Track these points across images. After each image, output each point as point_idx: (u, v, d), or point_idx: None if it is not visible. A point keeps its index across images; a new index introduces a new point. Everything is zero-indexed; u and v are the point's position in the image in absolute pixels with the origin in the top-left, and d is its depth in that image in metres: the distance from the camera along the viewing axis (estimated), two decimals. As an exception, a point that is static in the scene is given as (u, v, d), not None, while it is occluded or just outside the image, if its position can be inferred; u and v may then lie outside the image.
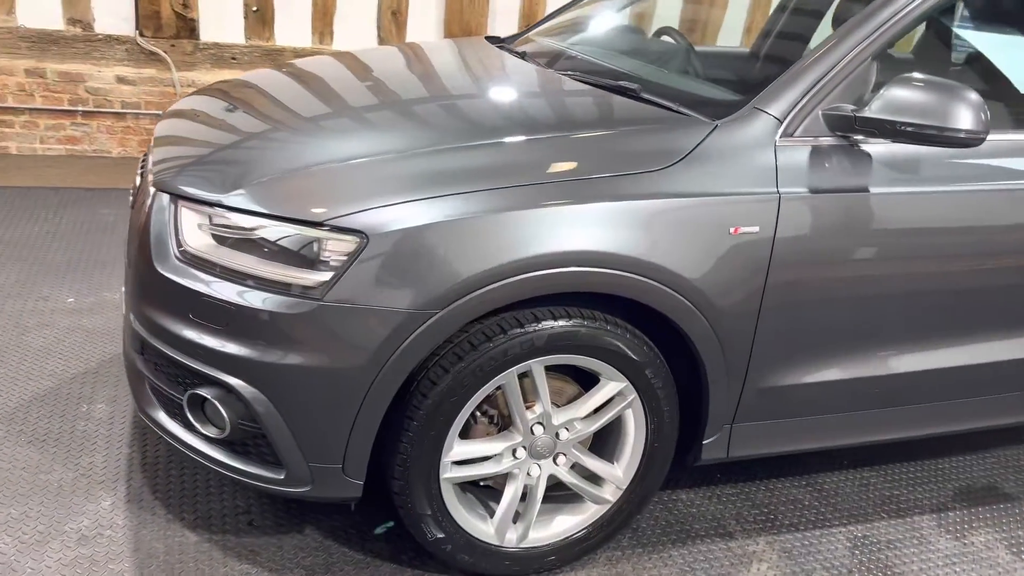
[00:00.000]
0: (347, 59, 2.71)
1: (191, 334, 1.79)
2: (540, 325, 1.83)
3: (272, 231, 1.75)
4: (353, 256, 1.69)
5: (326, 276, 1.70)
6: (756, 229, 1.92)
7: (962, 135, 1.91)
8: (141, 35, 4.97)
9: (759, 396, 2.12)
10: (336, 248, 1.71)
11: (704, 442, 2.14)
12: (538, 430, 1.97)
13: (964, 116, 1.90)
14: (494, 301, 1.75)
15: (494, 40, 2.97)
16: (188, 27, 5.03)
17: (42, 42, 4.83)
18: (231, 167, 1.90)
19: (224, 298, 1.74)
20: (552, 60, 2.62)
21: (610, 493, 2.10)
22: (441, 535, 1.95)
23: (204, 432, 1.87)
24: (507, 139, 1.95)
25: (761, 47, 3.19)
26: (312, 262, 1.72)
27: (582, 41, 2.95)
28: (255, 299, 1.73)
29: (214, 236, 1.81)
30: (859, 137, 2.00)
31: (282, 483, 1.85)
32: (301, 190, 1.78)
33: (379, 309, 1.70)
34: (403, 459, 1.85)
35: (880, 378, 2.22)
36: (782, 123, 1.97)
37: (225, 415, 1.80)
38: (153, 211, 1.90)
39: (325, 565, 2.05)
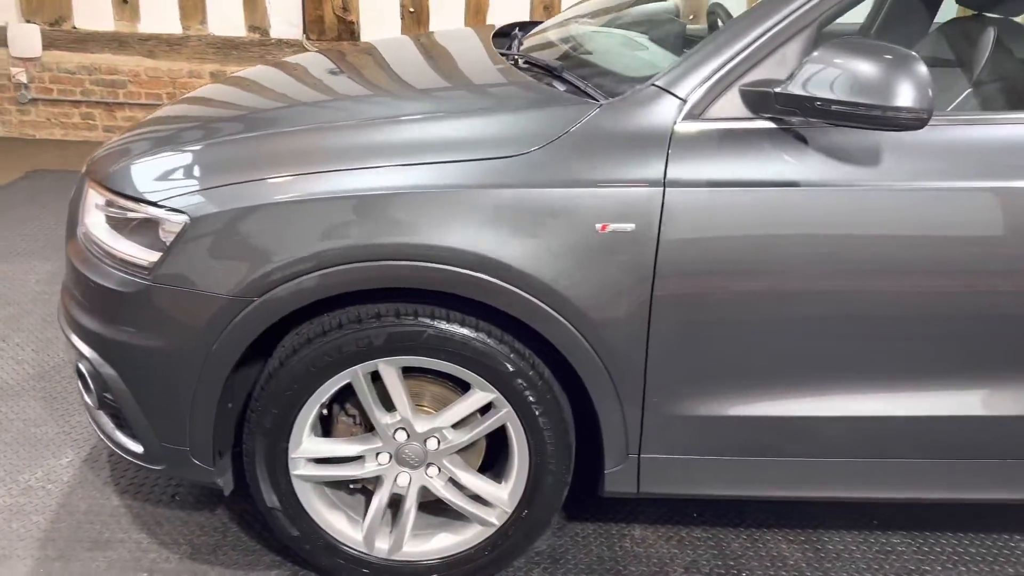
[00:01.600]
0: (307, 58, 2.60)
1: (75, 309, 1.89)
2: (380, 322, 1.70)
3: (131, 212, 1.79)
4: (178, 237, 1.69)
5: (156, 256, 1.71)
6: (630, 227, 1.63)
7: (902, 115, 1.49)
8: (308, 38, 5.36)
9: (667, 425, 1.80)
10: (168, 229, 1.71)
11: (606, 472, 1.86)
12: (401, 436, 1.83)
13: (904, 91, 1.47)
14: (314, 292, 1.65)
15: (515, 27, 2.79)
16: (348, 29, 5.34)
17: (226, 48, 5.38)
18: (126, 151, 1.97)
19: (87, 275, 1.81)
20: (533, 47, 2.40)
21: (495, 516, 1.90)
22: (296, 533, 1.88)
23: (88, 400, 1.96)
24: (356, 122, 1.82)
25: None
26: (152, 242, 1.74)
27: (592, 23, 2.68)
28: (107, 277, 1.78)
29: (105, 217, 1.89)
30: (781, 119, 1.63)
31: (141, 458, 1.89)
32: (153, 171, 1.80)
33: (201, 293, 1.68)
34: (248, 449, 1.81)
35: (822, 420, 1.79)
36: (686, 103, 1.65)
37: (92, 387, 1.88)
38: (76, 192, 2.02)
39: (213, 546, 2.06)
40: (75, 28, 5.40)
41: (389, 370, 1.76)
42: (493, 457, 1.96)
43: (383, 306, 1.71)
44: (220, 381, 1.74)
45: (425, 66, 2.32)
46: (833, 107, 1.53)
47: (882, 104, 1.49)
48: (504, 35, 2.63)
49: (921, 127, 1.50)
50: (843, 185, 1.63)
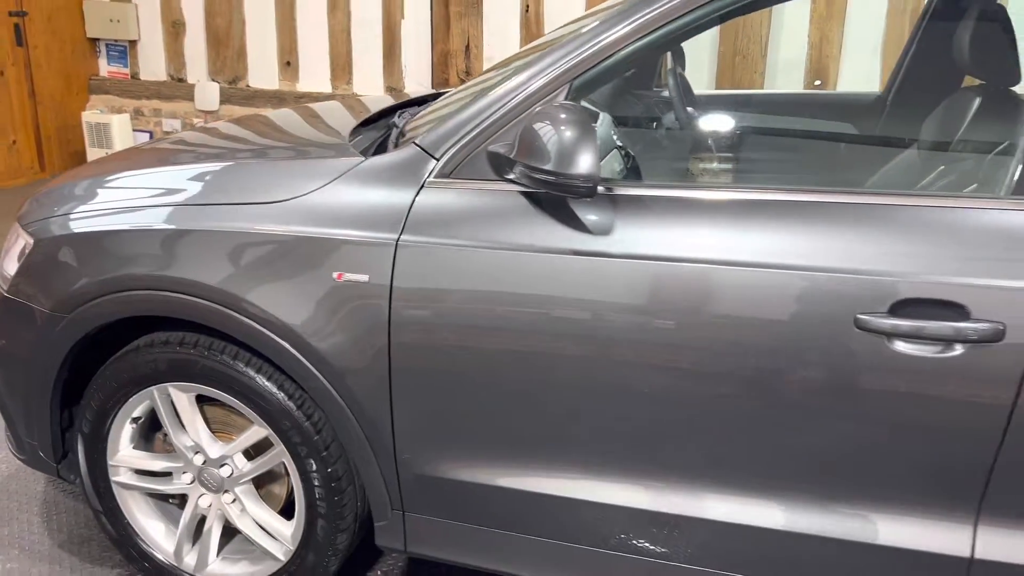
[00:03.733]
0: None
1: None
2: (164, 348, 1.84)
3: (18, 235, 2.08)
4: (25, 257, 1.95)
5: (13, 271, 1.99)
6: (364, 278, 1.65)
7: (579, 183, 1.41)
8: (434, 99, 5.73)
9: (423, 486, 1.76)
10: (24, 249, 1.98)
11: (376, 524, 1.85)
12: (199, 460, 1.95)
13: (584, 159, 1.40)
14: (100, 316, 1.84)
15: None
16: (470, 91, 5.64)
17: (365, 105, 5.88)
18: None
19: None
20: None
21: (282, 552, 1.95)
22: (116, 536, 2.05)
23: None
24: (177, 167, 1.97)
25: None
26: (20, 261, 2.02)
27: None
28: (-9, 289, 2.08)
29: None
30: (512, 182, 1.58)
31: (13, 448, 2.16)
32: (42, 202, 2.07)
33: (32, 306, 1.92)
34: (75, 452, 2.02)
35: (583, 504, 1.65)
36: (439, 162, 1.66)
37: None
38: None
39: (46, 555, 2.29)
40: (248, 86, 6.18)
41: (179, 394, 1.89)
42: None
43: (173, 334, 1.86)
44: (48, 386, 1.96)
45: (296, 126, 2.38)
46: (530, 172, 1.48)
47: (558, 171, 1.42)
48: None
49: (591, 195, 1.41)
50: (560, 252, 1.54)
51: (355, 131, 2.10)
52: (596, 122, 2.28)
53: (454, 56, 5.61)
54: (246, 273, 1.71)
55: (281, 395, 1.79)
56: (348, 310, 1.67)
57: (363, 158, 1.75)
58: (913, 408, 1.43)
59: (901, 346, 1.41)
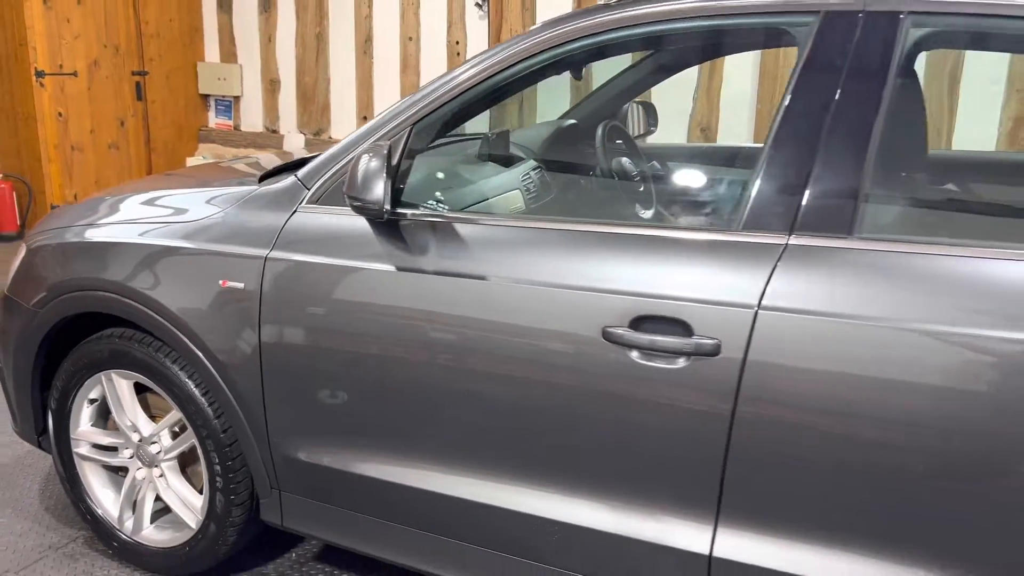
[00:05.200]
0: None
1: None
2: (108, 340, 2.24)
3: (27, 248, 2.57)
4: (20, 262, 2.42)
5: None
6: (241, 285, 1.99)
7: (372, 207, 1.71)
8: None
9: (292, 468, 2.06)
10: (20, 256, 2.45)
11: (260, 500, 2.15)
12: (136, 437, 2.33)
13: (375, 187, 1.71)
14: (60, 312, 2.26)
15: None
16: (522, 145, 6.00)
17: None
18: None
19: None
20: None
21: (194, 521, 2.28)
22: (73, 499, 2.45)
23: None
24: (136, 194, 2.39)
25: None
26: (22, 267, 2.50)
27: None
28: None
29: None
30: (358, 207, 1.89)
31: (13, 423, 2.61)
32: (44, 221, 2.55)
33: (20, 303, 2.38)
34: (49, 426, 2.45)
35: (423, 494, 1.90)
36: (310, 191, 1.99)
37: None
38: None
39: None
40: (330, 137, 6.80)
41: (120, 380, 2.28)
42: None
43: (116, 328, 2.26)
44: (28, 369, 2.40)
45: (243, 168, 2.69)
46: (350, 200, 1.79)
47: (360, 197, 1.72)
48: None
49: (381, 217, 1.71)
50: (382, 267, 1.84)
51: (282, 169, 2.48)
52: (515, 165, 2.58)
53: (507, 112, 6.00)
54: (159, 278, 2.09)
55: (191, 384, 2.14)
56: (230, 312, 2.01)
57: (256, 187, 2.11)
58: (648, 414, 1.61)
59: (637, 356, 1.61)
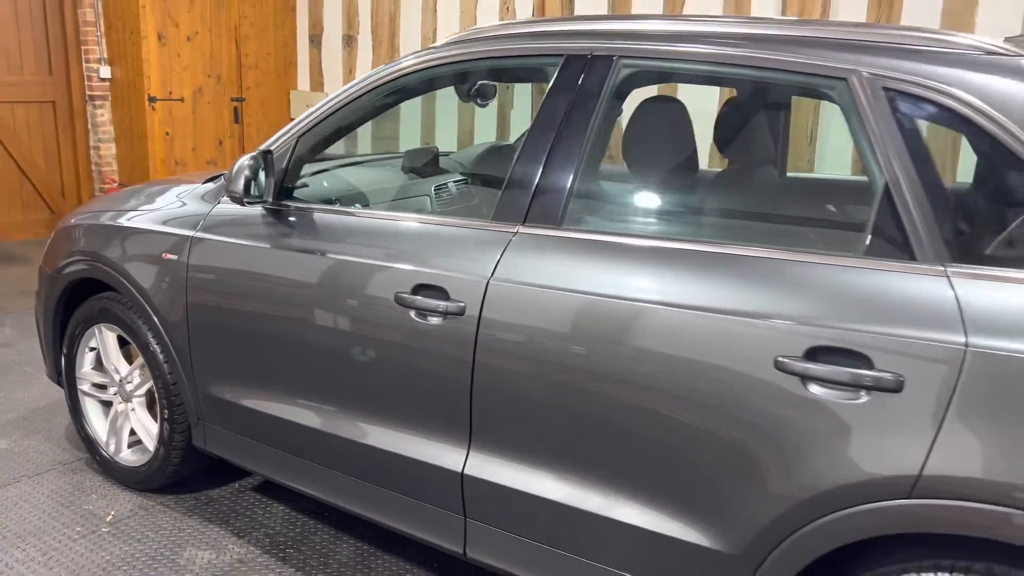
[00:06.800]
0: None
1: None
2: (100, 299, 2.93)
3: (66, 230, 3.32)
4: (51, 239, 3.16)
5: (47, 252, 3.21)
6: (175, 257, 2.62)
7: (235, 195, 2.31)
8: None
9: (209, 402, 2.65)
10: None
11: (192, 428, 2.76)
12: (117, 377, 3.00)
13: (238, 181, 2.31)
14: (70, 276, 2.96)
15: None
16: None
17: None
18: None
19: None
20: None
21: (152, 446, 2.92)
22: (77, 426, 3.15)
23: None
24: (141, 191, 3.07)
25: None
26: (55, 245, 3.24)
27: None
28: (46, 262, 3.32)
29: None
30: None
31: (47, 372, 3.35)
32: (75, 211, 3.29)
33: (47, 271, 3.11)
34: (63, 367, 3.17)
35: (297, 427, 2.43)
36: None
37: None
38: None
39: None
40: (398, 159, 7.60)
41: (107, 332, 2.96)
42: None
43: (107, 292, 2.94)
44: (51, 322, 3.13)
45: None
46: (225, 190, 2.39)
47: (230, 188, 2.31)
48: None
49: (242, 204, 2.29)
50: (264, 245, 2.42)
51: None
52: (437, 177, 3.13)
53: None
54: (127, 252, 2.76)
55: (149, 335, 2.79)
56: (168, 280, 2.64)
57: (199, 185, 2.74)
58: (420, 360, 2.10)
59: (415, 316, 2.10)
